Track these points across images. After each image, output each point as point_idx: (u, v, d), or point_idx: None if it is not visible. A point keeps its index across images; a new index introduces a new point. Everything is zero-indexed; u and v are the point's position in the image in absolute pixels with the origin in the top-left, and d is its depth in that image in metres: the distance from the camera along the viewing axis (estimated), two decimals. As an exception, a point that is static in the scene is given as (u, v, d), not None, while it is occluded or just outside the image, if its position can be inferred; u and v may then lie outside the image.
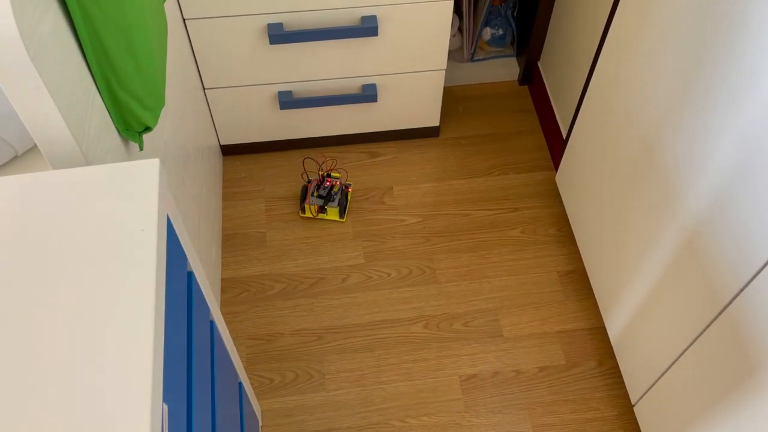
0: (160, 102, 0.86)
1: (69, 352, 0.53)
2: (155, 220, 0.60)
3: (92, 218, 0.61)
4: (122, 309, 0.55)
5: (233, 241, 1.53)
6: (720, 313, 0.92)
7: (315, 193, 1.53)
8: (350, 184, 1.58)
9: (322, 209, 1.52)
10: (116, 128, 0.81)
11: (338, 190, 1.53)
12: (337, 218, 1.54)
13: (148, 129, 0.84)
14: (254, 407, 1.21)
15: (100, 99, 0.77)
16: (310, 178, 1.60)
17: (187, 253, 0.74)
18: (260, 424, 1.28)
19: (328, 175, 1.56)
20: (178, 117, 1.19)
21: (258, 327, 1.41)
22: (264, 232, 1.54)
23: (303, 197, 1.54)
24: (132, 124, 0.82)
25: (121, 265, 0.58)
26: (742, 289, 0.86)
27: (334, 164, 1.63)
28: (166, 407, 0.57)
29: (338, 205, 1.52)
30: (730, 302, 0.89)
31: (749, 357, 0.86)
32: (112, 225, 0.60)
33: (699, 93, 0.91)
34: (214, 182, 1.51)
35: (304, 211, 1.54)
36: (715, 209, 0.90)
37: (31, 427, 0.50)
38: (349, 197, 1.56)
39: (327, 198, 1.52)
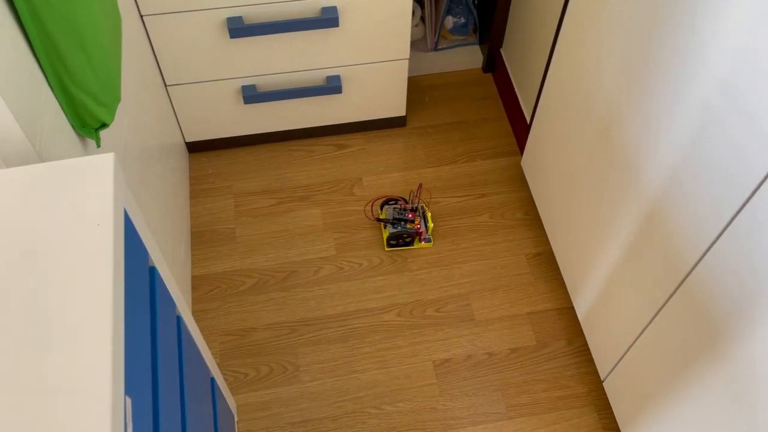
0: (116, 97, 0.85)
1: (27, 347, 0.53)
2: (111, 215, 0.60)
3: (47, 215, 0.60)
4: (80, 303, 0.55)
5: (202, 238, 1.52)
6: (679, 286, 0.95)
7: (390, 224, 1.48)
8: (423, 208, 1.53)
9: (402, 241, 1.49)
10: (71, 125, 0.80)
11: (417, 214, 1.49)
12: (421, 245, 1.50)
13: (104, 125, 0.83)
14: (229, 402, 1.21)
15: (53, 96, 0.76)
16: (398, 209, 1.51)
17: (148, 248, 0.74)
18: (236, 419, 1.28)
19: (413, 209, 1.51)
20: (138, 114, 1.18)
21: (230, 323, 1.41)
22: (233, 228, 1.54)
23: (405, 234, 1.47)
24: (87, 121, 0.81)
25: (77, 260, 0.57)
26: (698, 261, 0.89)
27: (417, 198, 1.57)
28: (129, 400, 0.57)
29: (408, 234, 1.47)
30: (688, 275, 0.92)
31: (708, 326, 0.89)
32: (68, 221, 0.60)
33: (652, 72, 0.93)
34: (180, 179, 1.50)
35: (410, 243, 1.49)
36: (670, 185, 0.93)
37: (-11, 426, 0.49)
38: (428, 218, 1.51)
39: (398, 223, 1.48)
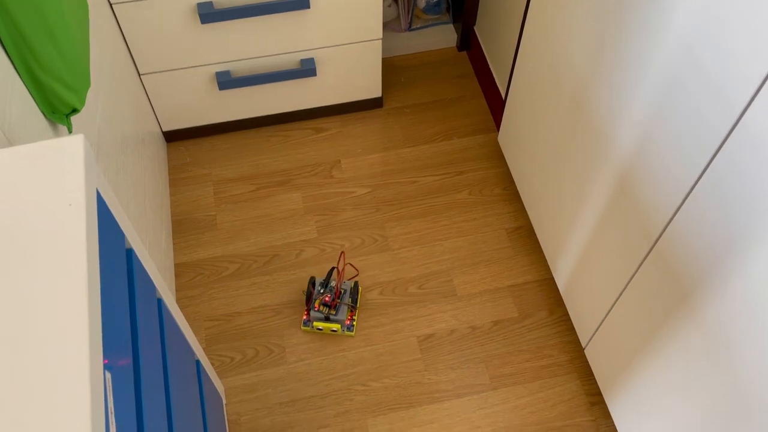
0: (86, 82, 0.85)
1: (1, 327, 0.53)
2: (83, 195, 0.60)
3: (17, 197, 0.60)
4: (54, 282, 0.56)
5: (183, 226, 1.52)
6: (651, 249, 0.97)
7: (318, 302, 1.34)
8: (356, 282, 1.39)
9: (326, 319, 1.35)
10: (42, 111, 0.80)
11: (346, 293, 1.36)
12: (342, 332, 1.36)
13: (75, 111, 0.83)
14: (216, 386, 1.22)
15: (21, 82, 0.76)
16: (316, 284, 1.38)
17: (124, 230, 0.75)
18: (224, 401, 1.29)
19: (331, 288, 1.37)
20: (111, 103, 1.18)
21: (215, 308, 1.41)
22: (214, 215, 1.54)
23: (307, 303, 1.36)
24: (58, 107, 0.81)
25: (50, 240, 0.58)
26: (667, 224, 0.91)
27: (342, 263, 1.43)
28: (109, 375, 0.58)
29: (343, 315, 1.34)
30: (659, 238, 0.94)
31: (680, 287, 0.91)
32: (38, 202, 0.60)
33: (618, 41, 0.95)
34: (158, 168, 1.50)
35: (307, 325, 1.36)
36: (638, 151, 0.95)
37: (-31, 403, 0.50)
38: (359, 295, 1.40)
39: (332, 306, 1.34)
